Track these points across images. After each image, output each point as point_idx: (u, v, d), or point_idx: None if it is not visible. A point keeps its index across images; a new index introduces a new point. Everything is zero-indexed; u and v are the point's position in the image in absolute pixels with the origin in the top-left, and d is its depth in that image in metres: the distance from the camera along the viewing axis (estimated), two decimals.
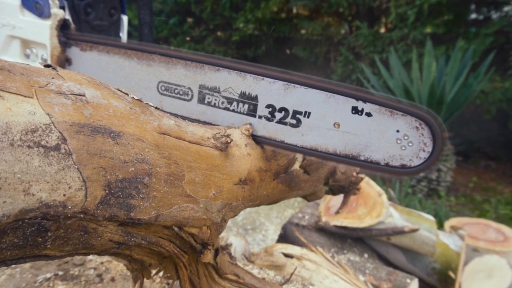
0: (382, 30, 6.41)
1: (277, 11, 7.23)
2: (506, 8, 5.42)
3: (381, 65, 4.84)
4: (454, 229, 2.35)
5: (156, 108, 0.68)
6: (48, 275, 1.15)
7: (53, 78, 0.55)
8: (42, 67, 0.57)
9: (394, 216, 2.06)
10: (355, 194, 1.24)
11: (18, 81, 0.50)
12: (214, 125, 0.80)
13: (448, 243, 2.17)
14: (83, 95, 0.55)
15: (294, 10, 7.49)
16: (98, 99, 0.57)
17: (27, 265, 1.19)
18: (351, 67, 6.18)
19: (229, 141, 0.70)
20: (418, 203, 3.78)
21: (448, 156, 4.29)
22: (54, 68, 0.58)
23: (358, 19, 6.39)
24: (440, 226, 2.64)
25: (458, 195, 4.59)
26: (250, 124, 0.77)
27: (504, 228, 2.48)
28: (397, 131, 0.68)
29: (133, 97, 0.64)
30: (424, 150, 0.67)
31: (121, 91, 0.63)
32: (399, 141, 0.68)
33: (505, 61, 4.85)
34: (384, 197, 2.08)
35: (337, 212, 1.40)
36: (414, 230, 1.98)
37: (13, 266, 1.11)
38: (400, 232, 2.01)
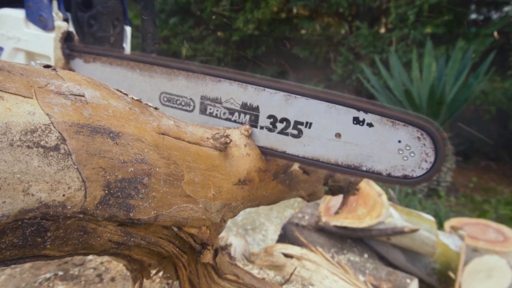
0: (382, 30, 6.41)
1: (277, 11, 7.22)
2: (506, 8, 5.41)
3: (381, 65, 4.84)
4: (454, 229, 2.35)
5: (155, 108, 0.68)
6: (48, 275, 1.15)
7: (52, 78, 0.55)
8: (42, 67, 0.57)
9: (394, 216, 2.06)
10: (354, 194, 1.25)
11: (18, 82, 0.50)
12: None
13: (448, 243, 2.17)
14: (83, 96, 0.55)
15: (294, 10, 7.48)
16: (98, 100, 0.57)
17: (27, 265, 1.19)
18: (351, 67, 6.18)
19: (228, 141, 0.70)
20: (418, 203, 3.78)
21: (448, 156, 4.28)
22: (53, 69, 0.58)
23: (358, 19, 6.38)
24: (440, 226, 2.64)
25: (458, 195, 4.59)
26: (249, 124, 0.78)
27: (504, 228, 2.48)
28: (399, 141, 0.68)
29: (132, 98, 0.64)
30: (426, 161, 0.67)
31: (121, 92, 0.64)
32: (401, 152, 0.68)
33: (505, 61, 4.85)
34: (384, 197, 2.08)
35: (337, 212, 1.40)
36: (414, 230, 1.98)
37: (13, 266, 1.11)
38: (400, 232, 2.01)
